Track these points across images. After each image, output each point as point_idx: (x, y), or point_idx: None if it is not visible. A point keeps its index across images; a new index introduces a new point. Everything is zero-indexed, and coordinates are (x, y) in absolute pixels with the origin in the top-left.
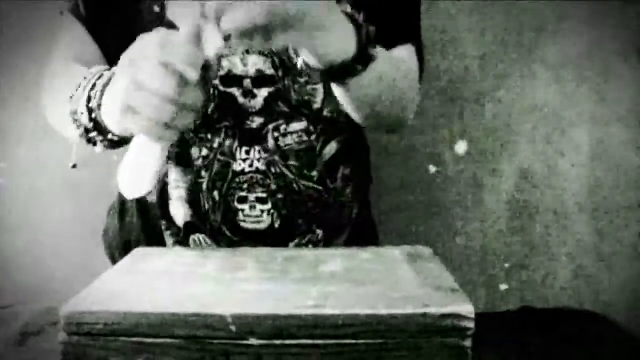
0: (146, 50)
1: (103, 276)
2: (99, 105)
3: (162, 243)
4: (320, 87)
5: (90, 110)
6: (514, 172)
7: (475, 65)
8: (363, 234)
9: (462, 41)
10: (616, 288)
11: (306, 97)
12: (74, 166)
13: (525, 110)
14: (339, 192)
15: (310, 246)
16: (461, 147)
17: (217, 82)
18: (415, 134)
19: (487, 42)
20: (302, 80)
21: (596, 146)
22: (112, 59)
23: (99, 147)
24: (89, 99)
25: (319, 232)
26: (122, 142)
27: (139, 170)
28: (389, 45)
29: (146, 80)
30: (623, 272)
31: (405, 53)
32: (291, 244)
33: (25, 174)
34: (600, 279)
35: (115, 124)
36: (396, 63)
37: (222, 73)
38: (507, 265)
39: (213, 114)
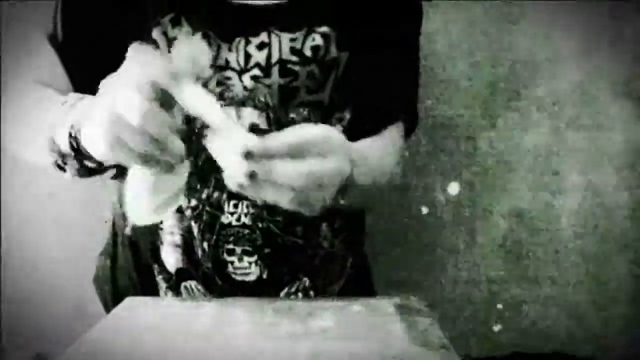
0: (129, 81)
1: (93, 329)
2: (79, 131)
3: (154, 286)
4: None
5: (71, 137)
6: (506, 213)
7: (466, 106)
8: (358, 282)
9: (454, 80)
10: (609, 330)
11: None
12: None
13: (517, 150)
14: (328, 243)
15: (299, 294)
16: (453, 188)
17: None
18: (407, 175)
19: (478, 82)
20: None
21: (588, 185)
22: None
23: (69, 174)
24: (71, 126)
25: (305, 279)
26: (97, 170)
27: (148, 197)
28: (380, 126)
29: (127, 113)
30: (617, 314)
31: (391, 134)
32: (281, 293)
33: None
34: (594, 321)
35: (100, 154)
36: (379, 155)
37: None
38: (499, 306)
39: (203, 165)
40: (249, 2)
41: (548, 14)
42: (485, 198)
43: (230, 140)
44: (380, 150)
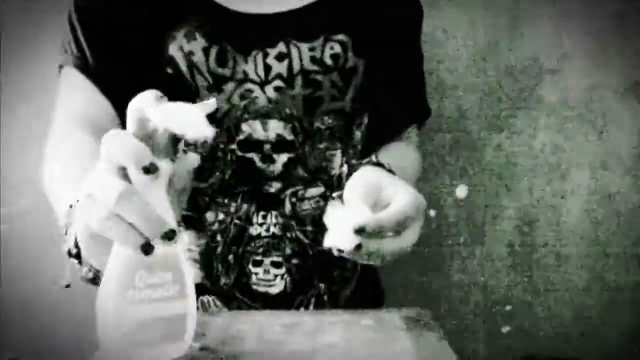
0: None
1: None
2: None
3: None
4: (338, 153)
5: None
6: (514, 215)
7: (474, 108)
8: (367, 286)
9: (461, 83)
10: (617, 332)
11: (324, 163)
12: (68, 286)
13: (525, 152)
14: None
15: (313, 300)
16: (462, 191)
17: (234, 146)
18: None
19: (486, 84)
20: (321, 146)
21: (596, 189)
22: (122, 109)
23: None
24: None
25: (322, 285)
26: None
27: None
28: (396, 132)
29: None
30: (624, 316)
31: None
32: (296, 300)
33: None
34: (602, 323)
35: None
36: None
37: (241, 137)
38: (508, 307)
39: (230, 180)
40: (262, 11)
41: (556, 15)
42: (493, 201)
43: (346, 212)
44: (412, 159)
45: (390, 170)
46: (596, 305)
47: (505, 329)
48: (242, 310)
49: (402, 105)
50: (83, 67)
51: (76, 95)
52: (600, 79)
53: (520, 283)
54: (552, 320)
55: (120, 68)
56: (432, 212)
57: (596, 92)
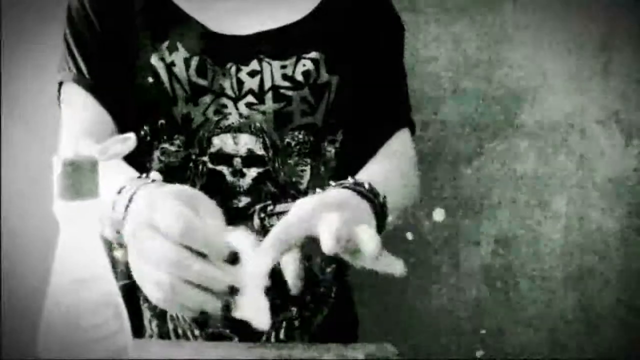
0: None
1: None
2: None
3: (138, 313)
4: (307, 168)
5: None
6: (491, 239)
7: (454, 131)
8: (341, 315)
9: (441, 106)
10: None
11: (294, 179)
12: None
13: (504, 177)
14: (320, 272)
15: (284, 324)
16: (439, 215)
17: (206, 159)
18: None
19: (466, 108)
20: (291, 161)
21: (575, 214)
22: (122, 122)
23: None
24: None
25: (294, 309)
26: None
27: None
28: (387, 135)
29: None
30: (603, 342)
31: (402, 143)
32: None
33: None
34: (579, 348)
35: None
36: (402, 176)
37: (212, 150)
38: (483, 332)
39: (200, 191)
40: (239, 32)
41: (538, 40)
42: (470, 225)
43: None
44: (401, 170)
45: (364, 188)
46: (575, 328)
47: (479, 353)
48: (200, 342)
49: (379, 119)
50: (82, 81)
51: (78, 109)
52: (581, 106)
53: (496, 307)
54: (528, 343)
55: (114, 80)
56: (410, 235)
57: (576, 119)
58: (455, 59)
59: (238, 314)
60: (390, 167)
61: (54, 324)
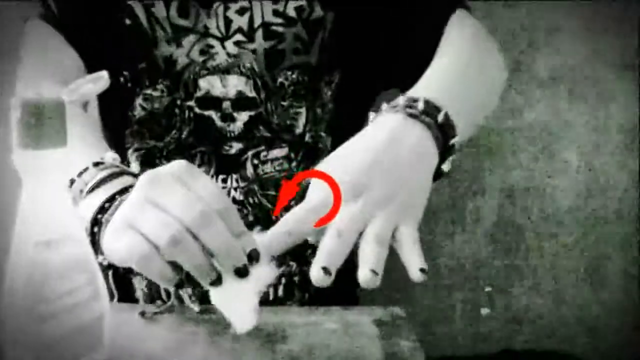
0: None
1: None
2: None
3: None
4: (303, 111)
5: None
6: (498, 192)
7: None
8: (342, 273)
9: None
10: (600, 312)
11: (288, 122)
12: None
13: (513, 127)
14: None
15: (283, 280)
16: (444, 166)
17: (192, 103)
18: None
19: None
20: (285, 103)
21: (585, 167)
22: (91, 66)
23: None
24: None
25: (293, 264)
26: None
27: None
28: (442, 20)
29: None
30: (610, 296)
31: (461, 29)
32: None
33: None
34: (585, 304)
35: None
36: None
37: (199, 94)
38: (488, 289)
39: (187, 139)
40: None
41: None
42: (478, 176)
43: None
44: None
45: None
46: (582, 285)
47: (484, 311)
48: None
49: (376, 61)
50: (50, 18)
51: (44, 49)
52: (593, 54)
53: (502, 264)
54: (533, 301)
55: (86, 19)
56: None
57: (588, 66)
58: None
59: (218, 302)
60: (459, 65)
61: (17, 292)
